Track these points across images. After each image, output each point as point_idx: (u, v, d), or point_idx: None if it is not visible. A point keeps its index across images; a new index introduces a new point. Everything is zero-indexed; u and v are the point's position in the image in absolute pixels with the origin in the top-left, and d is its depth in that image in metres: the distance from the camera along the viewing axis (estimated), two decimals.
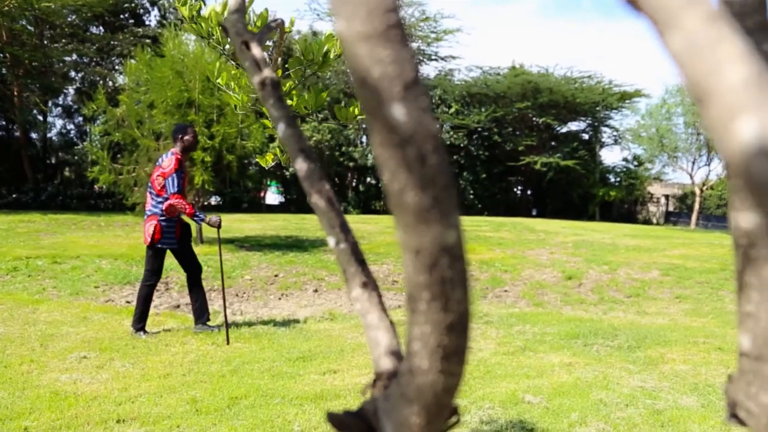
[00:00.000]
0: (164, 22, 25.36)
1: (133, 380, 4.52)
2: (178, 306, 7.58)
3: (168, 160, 5.84)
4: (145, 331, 5.92)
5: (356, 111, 1.75)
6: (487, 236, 16.56)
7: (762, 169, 0.32)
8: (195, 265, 6.10)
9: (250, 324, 6.58)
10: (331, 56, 1.49)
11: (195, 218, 5.77)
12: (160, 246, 5.88)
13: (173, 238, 5.92)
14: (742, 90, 0.31)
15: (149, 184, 5.98)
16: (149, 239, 5.86)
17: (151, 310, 6.74)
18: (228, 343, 5.70)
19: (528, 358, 5.54)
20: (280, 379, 4.69)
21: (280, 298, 8.38)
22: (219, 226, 5.84)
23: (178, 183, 5.79)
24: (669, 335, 6.70)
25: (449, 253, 0.39)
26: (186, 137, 5.96)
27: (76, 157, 25.18)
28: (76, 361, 4.98)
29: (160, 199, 5.86)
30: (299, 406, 4.13)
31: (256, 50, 0.80)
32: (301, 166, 0.72)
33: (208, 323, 6.13)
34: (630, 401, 4.45)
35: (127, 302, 7.58)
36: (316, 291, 8.87)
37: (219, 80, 1.68)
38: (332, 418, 0.52)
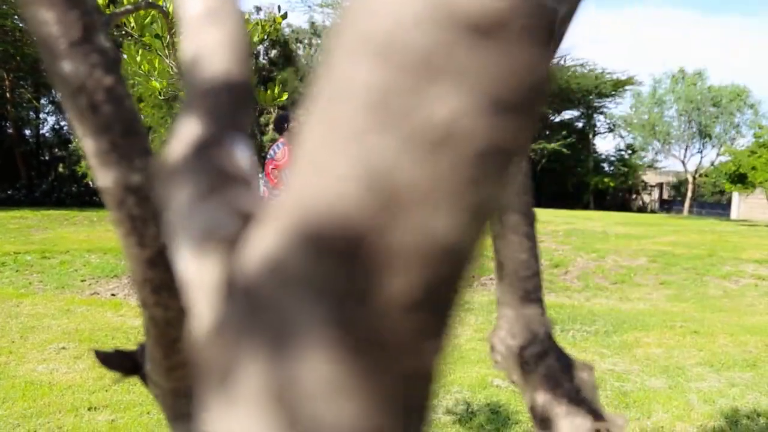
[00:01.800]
0: None
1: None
2: None
3: (281, 152, 5.75)
4: None
5: (275, 93, 1.79)
6: None
7: None
8: None
9: None
10: (255, 40, 1.53)
11: None
12: None
13: None
14: None
15: (264, 178, 5.89)
16: None
17: (131, 301, 6.80)
18: None
19: None
20: None
21: None
22: None
23: None
24: (647, 320, 6.77)
25: (135, 194, 0.44)
26: (292, 125, 5.87)
27: (70, 154, 25.20)
28: (54, 352, 5.04)
29: (276, 192, 5.81)
30: None
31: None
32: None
33: None
34: (599, 384, 4.49)
35: (113, 295, 7.63)
36: None
37: (141, 68, 1.72)
38: (99, 354, 0.57)
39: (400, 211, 0.16)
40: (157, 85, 1.58)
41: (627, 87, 32.05)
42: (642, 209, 33.86)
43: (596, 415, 0.64)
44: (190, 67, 0.32)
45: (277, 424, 0.17)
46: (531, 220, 0.66)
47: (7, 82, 22.47)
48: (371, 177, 0.16)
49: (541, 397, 0.64)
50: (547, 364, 0.65)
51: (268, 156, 5.86)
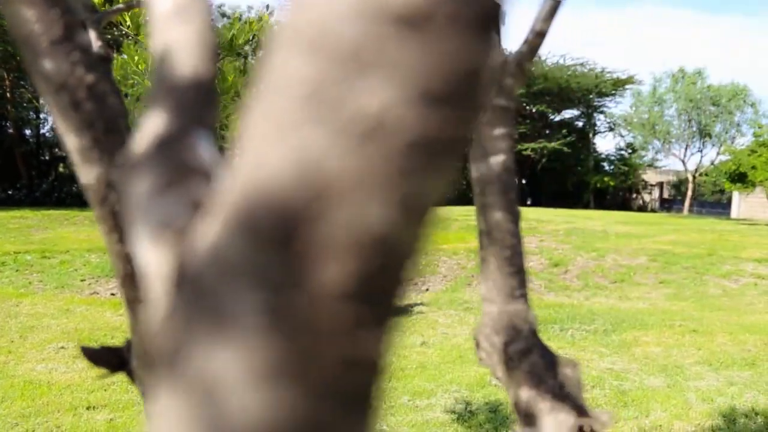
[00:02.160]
0: None
1: None
2: None
3: None
4: None
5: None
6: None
7: None
8: None
9: None
10: (240, 41, 1.54)
11: None
12: None
13: None
14: None
15: None
16: None
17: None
18: None
19: None
20: None
21: None
22: None
23: None
24: (646, 319, 6.77)
25: (118, 190, 0.44)
26: None
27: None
28: (53, 351, 5.05)
29: None
30: None
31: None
32: None
33: None
34: (597, 383, 4.52)
35: (112, 294, 7.64)
36: None
37: (138, 67, 1.72)
38: (86, 351, 0.57)
39: (333, 201, 0.16)
40: None
41: (627, 86, 32.04)
42: (642, 208, 33.84)
43: (580, 411, 0.64)
44: (158, 63, 0.33)
45: (210, 410, 0.17)
46: (515, 218, 0.67)
47: (7, 82, 22.47)
48: (304, 168, 0.16)
49: (525, 394, 0.65)
50: (531, 360, 0.65)
51: None
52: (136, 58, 12.06)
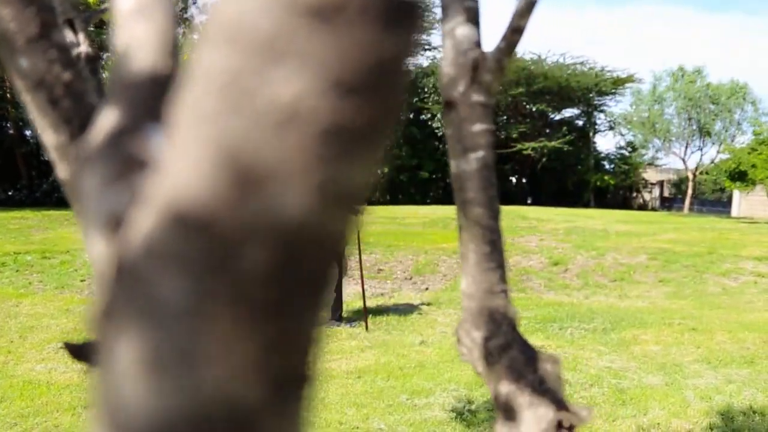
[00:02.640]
0: None
1: None
2: None
3: None
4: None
5: None
6: None
7: None
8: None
9: None
10: None
11: None
12: None
13: None
14: None
15: None
16: None
17: None
18: (367, 329, 5.82)
19: None
20: None
21: None
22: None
23: None
24: (645, 317, 6.77)
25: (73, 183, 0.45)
26: None
27: None
28: (53, 351, 5.06)
29: None
30: None
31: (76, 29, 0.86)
32: None
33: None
34: (595, 381, 4.52)
35: None
36: None
37: None
38: (68, 346, 0.58)
39: (252, 188, 0.17)
40: None
41: (627, 85, 32.03)
42: (643, 207, 33.83)
43: (560, 405, 0.64)
44: (119, 59, 0.33)
45: (140, 390, 0.18)
46: (495, 214, 0.67)
47: (7, 83, 22.50)
48: (223, 156, 0.17)
49: (505, 388, 0.65)
50: (510, 355, 0.66)
51: None
52: None
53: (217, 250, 0.17)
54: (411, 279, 9.34)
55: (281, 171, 0.17)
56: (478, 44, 0.66)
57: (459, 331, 0.69)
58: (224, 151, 0.17)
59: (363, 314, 6.08)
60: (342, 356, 5.06)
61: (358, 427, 3.76)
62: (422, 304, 7.35)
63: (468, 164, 0.65)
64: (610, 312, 7.10)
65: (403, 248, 10.80)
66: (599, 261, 11.15)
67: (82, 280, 8.41)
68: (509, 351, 0.66)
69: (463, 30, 0.66)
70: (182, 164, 0.17)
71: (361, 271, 6.36)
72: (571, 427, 0.64)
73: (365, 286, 6.39)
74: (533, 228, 16.37)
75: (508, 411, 0.65)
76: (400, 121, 0.18)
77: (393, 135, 0.19)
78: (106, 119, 0.28)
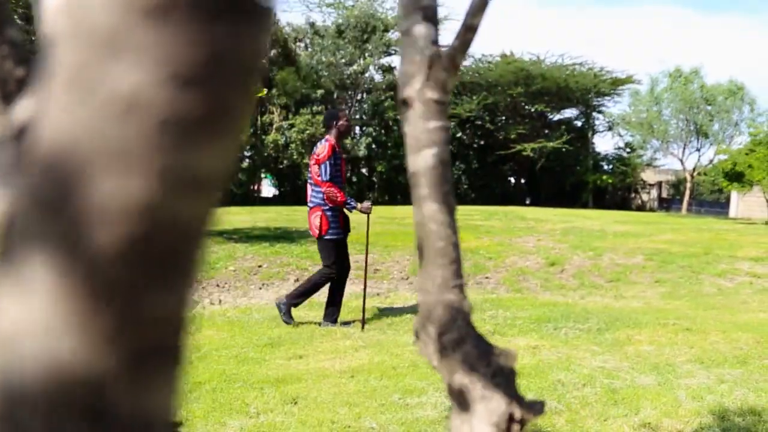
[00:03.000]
0: None
1: None
2: None
3: (321, 147, 5.70)
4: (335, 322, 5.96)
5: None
6: (477, 225, 16.61)
7: None
8: (347, 265, 6.02)
9: (225, 313, 6.66)
10: None
11: (347, 206, 5.65)
12: (328, 238, 5.81)
13: (338, 228, 5.82)
14: None
15: (309, 175, 5.91)
16: (317, 231, 5.73)
17: None
18: (363, 328, 5.83)
19: (495, 342, 5.61)
20: (245, 364, 4.77)
21: (260, 288, 8.45)
22: (370, 213, 5.81)
23: (330, 170, 5.66)
24: (640, 318, 6.78)
25: None
26: (340, 123, 5.79)
27: None
28: None
29: (318, 189, 5.72)
30: (259, 389, 4.21)
31: None
32: None
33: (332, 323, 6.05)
34: (588, 381, 4.53)
35: None
36: (297, 280, 8.95)
37: None
38: None
39: (98, 172, 0.18)
40: None
41: (625, 85, 32.08)
42: (641, 208, 33.87)
43: (512, 399, 0.66)
44: (41, 54, 0.34)
45: (3, 361, 0.19)
46: (450, 209, 0.68)
47: None
48: (72, 144, 0.18)
49: (458, 381, 0.66)
50: (464, 350, 0.67)
51: (313, 151, 5.82)
52: None
53: (71, 228, 0.18)
54: (407, 279, 9.35)
55: (124, 157, 0.18)
56: (435, 42, 0.68)
57: (415, 325, 0.70)
58: (73, 138, 0.18)
59: (360, 314, 6.09)
60: (336, 356, 5.08)
61: (349, 426, 3.77)
62: (417, 303, 7.35)
63: (423, 160, 0.66)
64: (605, 312, 7.12)
65: (400, 248, 10.81)
66: (596, 261, 11.17)
67: None
68: (463, 345, 0.67)
69: (420, 28, 0.68)
70: (41, 149, 0.19)
71: (365, 271, 6.38)
72: (522, 421, 0.65)
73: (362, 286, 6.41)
74: (531, 228, 16.40)
75: (461, 404, 0.66)
76: (249, 111, 0.20)
77: (244, 125, 0.20)
78: (26, 108, 0.30)
